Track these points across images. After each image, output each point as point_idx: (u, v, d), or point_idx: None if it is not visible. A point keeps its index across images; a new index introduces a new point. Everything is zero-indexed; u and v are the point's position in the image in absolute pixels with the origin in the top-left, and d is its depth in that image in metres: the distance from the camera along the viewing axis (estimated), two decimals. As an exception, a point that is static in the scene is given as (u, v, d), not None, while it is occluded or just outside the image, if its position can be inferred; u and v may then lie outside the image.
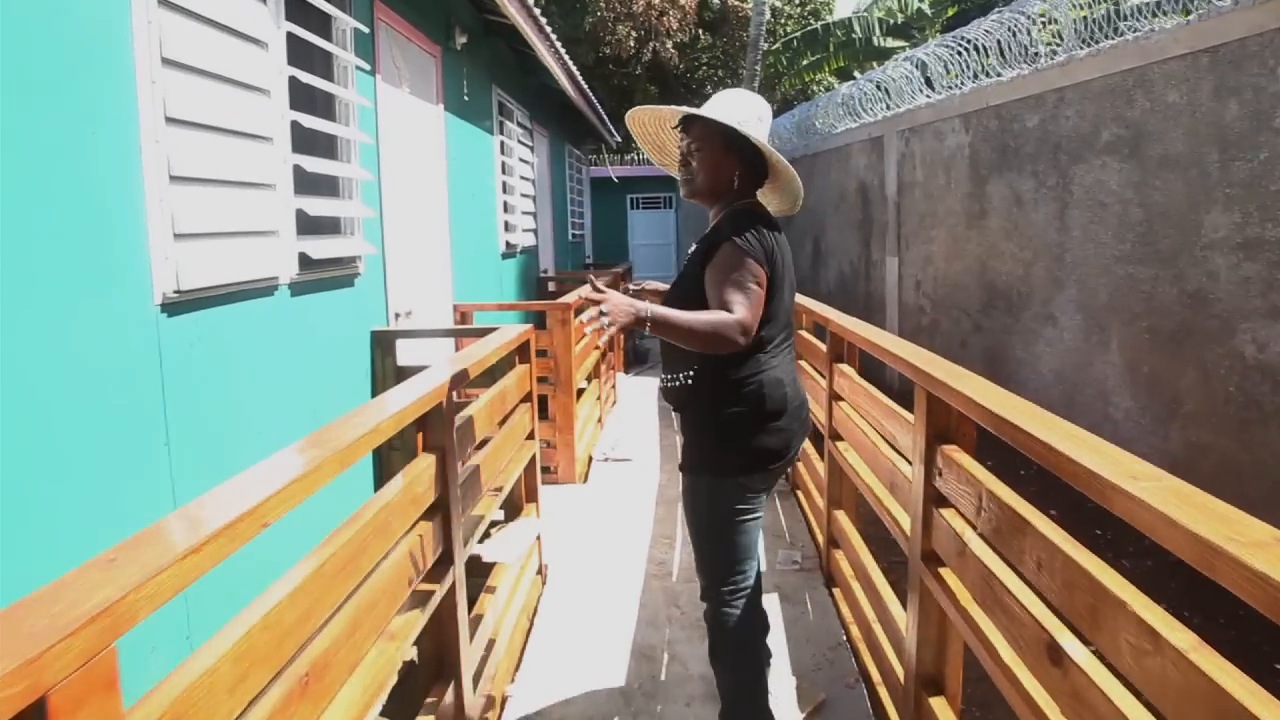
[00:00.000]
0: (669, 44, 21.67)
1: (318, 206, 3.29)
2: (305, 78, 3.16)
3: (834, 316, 3.68)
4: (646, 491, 5.23)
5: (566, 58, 7.57)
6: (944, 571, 2.26)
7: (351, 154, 3.72)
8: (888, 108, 8.22)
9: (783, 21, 24.24)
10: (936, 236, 7.28)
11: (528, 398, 3.83)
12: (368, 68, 3.89)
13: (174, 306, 2.42)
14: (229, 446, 2.75)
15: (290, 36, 3.10)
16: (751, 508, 2.44)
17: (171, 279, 2.38)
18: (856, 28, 16.92)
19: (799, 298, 4.87)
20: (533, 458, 3.88)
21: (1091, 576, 1.41)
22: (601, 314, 2.12)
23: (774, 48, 19.45)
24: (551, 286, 8.87)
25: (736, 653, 2.53)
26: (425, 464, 2.31)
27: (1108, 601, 1.37)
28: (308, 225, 3.37)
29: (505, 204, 6.88)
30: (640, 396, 8.46)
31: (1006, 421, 1.78)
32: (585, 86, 9.45)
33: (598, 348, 6.91)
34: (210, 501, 1.40)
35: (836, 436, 3.69)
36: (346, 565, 1.73)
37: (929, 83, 7.32)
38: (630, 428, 7.04)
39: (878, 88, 8.42)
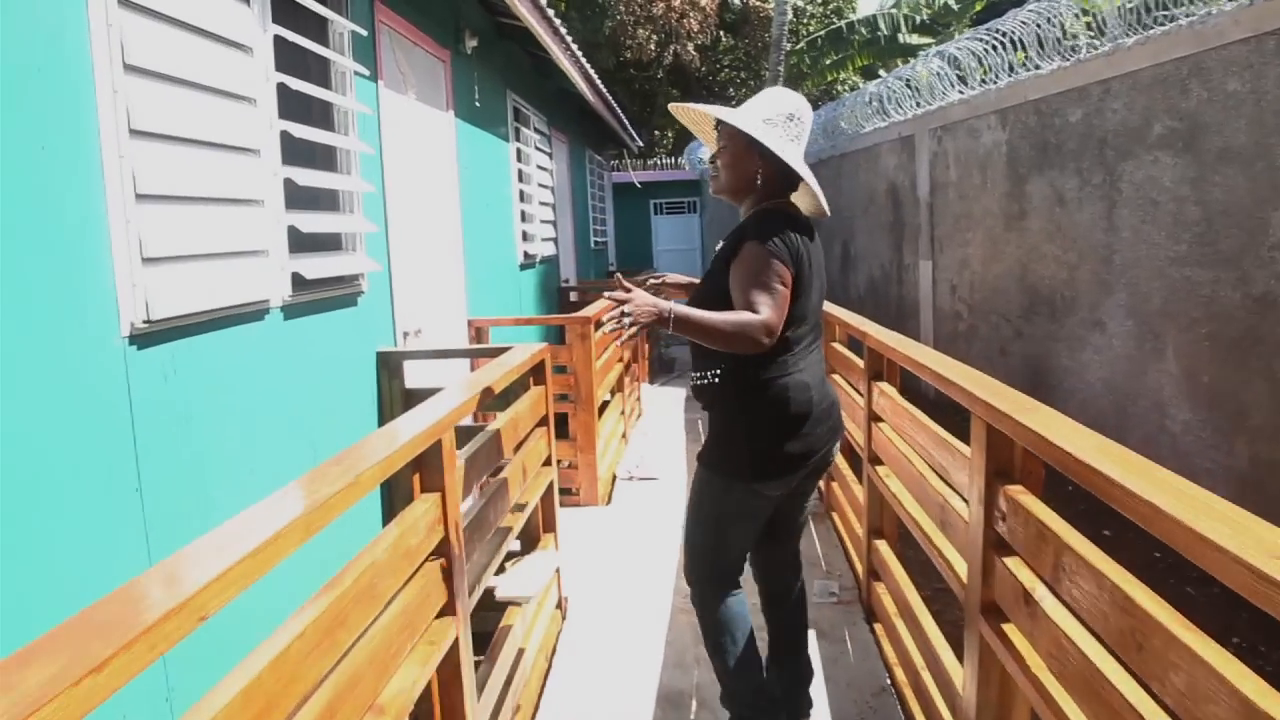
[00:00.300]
0: (690, 46, 21.42)
1: (313, 222, 3.07)
2: (297, 85, 2.93)
3: (872, 331, 3.40)
4: (673, 513, 4.97)
5: (583, 60, 7.34)
6: (1008, 628, 1.99)
7: (351, 165, 3.50)
8: (918, 105, 7.93)
9: (805, 21, 23.93)
10: (973, 239, 6.97)
11: (544, 421, 3.59)
12: (369, 73, 3.67)
13: (144, 338, 2.20)
14: (216, 486, 2.52)
15: (279, 41, 2.88)
16: (759, 512, 2.45)
17: (140, 308, 2.15)
18: (881, 25, 16.59)
19: (833, 309, 4.62)
20: (550, 485, 3.64)
21: (1223, 679, 1.13)
22: (624, 313, 2.13)
23: (797, 48, 19.16)
24: (574, 297, 8.64)
25: (733, 641, 2.51)
26: (422, 509, 2.07)
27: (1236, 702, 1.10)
28: (303, 242, 3.14)
29: (523, 213, 6.66)
30: (667, 408, 8.20)
31: (1087, 466, 1.51)
32: (604, 90, 9.22)
33: (621, 360, 6.67)
34: (151, 581, 1.17)
35: (876, 460, 3.42)
36: (319, 643, 1.49)
37: (961, 79, 7.02)
38: (656, 443, 6.78)
39: (907, 85, 8.12)
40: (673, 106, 2.59)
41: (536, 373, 3.56)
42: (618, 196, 15.65)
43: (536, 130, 7.41)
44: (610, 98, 9.86)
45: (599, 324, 5.42)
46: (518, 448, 3.30)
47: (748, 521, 2.46)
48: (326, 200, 3.49)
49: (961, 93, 6.93)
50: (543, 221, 7.49)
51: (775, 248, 2.21)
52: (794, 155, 2.31)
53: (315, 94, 3.11)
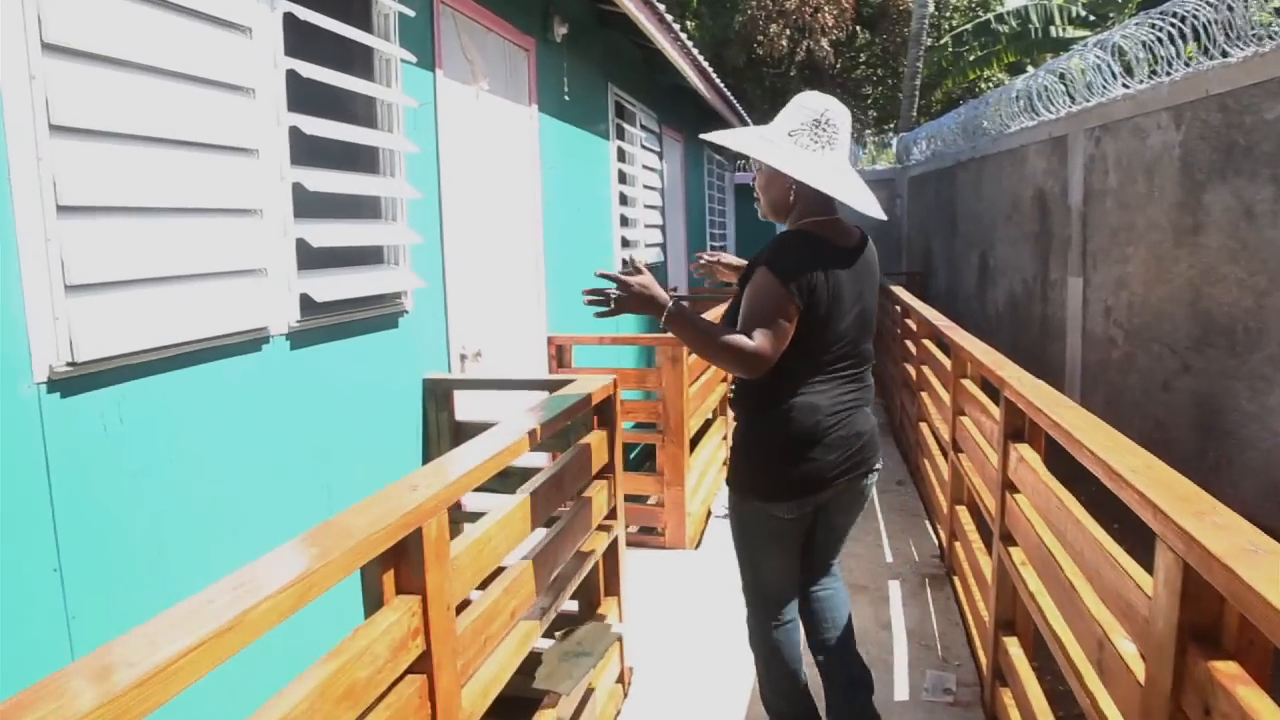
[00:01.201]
0: (824, 42, 20.50)
1: (334, 234, 2.61)
2: (312, 72, 2.48)
3: (1013, 380, 2.71)
4: (767, 565, 4.38)
5: (696, 53, 6.77)
6: None
7: (395, 167, 3.04)
8: (1072, 102, 7.03)
9: (947, 14, 22.65)
10: (1134, 255, 6.07)
11: (606, 470, 3.06)
12: (415, 60, 3.21)
13: (68, 383, 1.77)
14: (180, 556, 2.09)
15: (291, 20, 2.43)
16: (780, 535, 2.36)
17: (62, 347, 1.72)
18: (1033, 17, 15.37)
19: (965, 337, 3.93)
20: (613, 544, 3.10)
21: None
22: (608, 293, 2.13)
23: (939, 43, 18.07)
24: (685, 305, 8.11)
25: (776, 673, 2.50)
26: (384, 625, 1.57)
27: None
28: (325, 258, 2.70)
29: (623, 217, 6.15)
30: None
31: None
32: (721, 86, 8.63)
33: (726, 379, 6.09)
34: None
35: (1009, 539, 2.74)
36: None
37: (1127, 71, 6.12)
38: (758, 472, 6.16)
39: (1060, 79, 7.23)
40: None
41: (602, 411, 3.04)
42: (741, 198, 15.00)
43: (644, 128, 6.89)
44: (729, 94, 9.27)
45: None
46: (576, 495, 2.79)
47: (773, 544, 2.39)
48: (361, 208, 3.05)
49: (1126, 86, 6.04)
50: (648, 226, 6.97)
51: (784, 277, 2.11)
52: (812, 165, 2.18)
53: (343, 84, 2.65)
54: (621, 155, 6.22)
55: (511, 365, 4.13)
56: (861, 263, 2.28)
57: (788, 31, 20.16)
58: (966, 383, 3.75)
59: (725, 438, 6.02)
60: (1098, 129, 6.55)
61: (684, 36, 6.13)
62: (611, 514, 3.10)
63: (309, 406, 2.57)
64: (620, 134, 6.18)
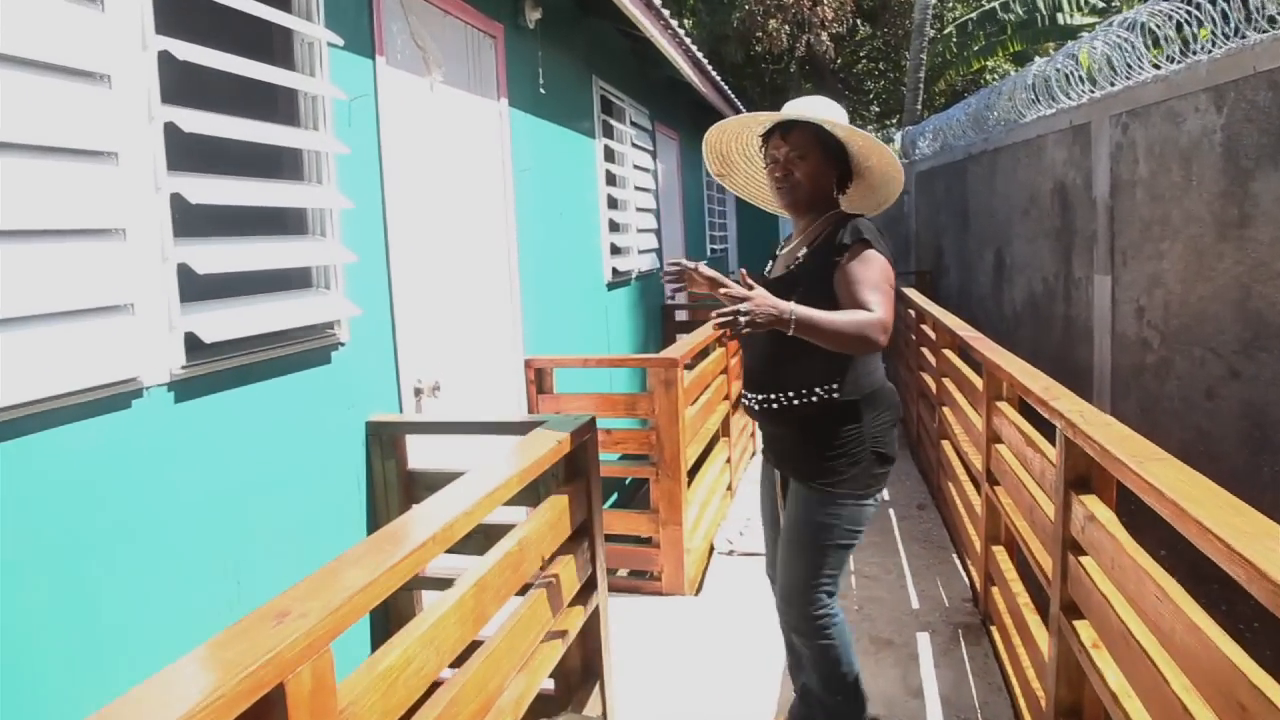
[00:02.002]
0: (824, 36, 19.96)
1: (231, 257, 2.12)
2: (191, 53, 1.99)
3: (1074, 416, 2.21)
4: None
5: (689, 43, 6.28)
6: None
7: (323, 172, 2.55)
8: (1094, 87, 6.51)
9: (950, 5, 22.09)
10: (1169, 250, 5.55)
11: (582, 531, 2.57)
12: (354, 46, 2.72)
13: None
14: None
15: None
16: (863, 528, 2.44)
17: None
18: (1040, 4, 14.86)
19: (999, 353, 3.46)
20: (593, 618, 2.61)
21: None
22: (739, 313, 2.02)
23: (943, 33, 17.56)
24: (682, 315, 7.58)
25: (851, 668, 2.48)
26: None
27: None
28: (233, 285, 2.21)
29: (612, 222, 5.65)
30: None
31: None
32: (717, 79, 8.14)
33: (728, 397, 5.60)
34: None
35: (1074, 611, 2.24)
36: None
37: (1156, 54, 5.61)
38: (765, 497, 5.66)
39: (1076, 61, 6.71)
40: (719, 126, 2.57)
41: (575, 460, 2.55)
42: (743, 200, 14.52)
43: (634, 125, 6.39)
44: (726, 88, 8.78)
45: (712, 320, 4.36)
46: (531, 581, 2.29)
47: (853, 541, 2.42)
48: (287, 223, 2.56)
49: (1158, 67, 5.52)
50: (641, 230, 6.47)
51: (883, 251, 2.26)
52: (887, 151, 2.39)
53: (238, 69, 2.15)
54: (610, 155, 5.74)
55: (480, 396, 3.63)
56: None
57: (787, 27, 19.62)
58: (1003, 406, 3.25)
59: (728, 460, 5.53)
60: (1125, 115, 6.03)
61: (675, 25, 5.64)
62: (590, 584, 2.61)
63: (205, 473, 2.08)
64: (608, 131, 5.68)
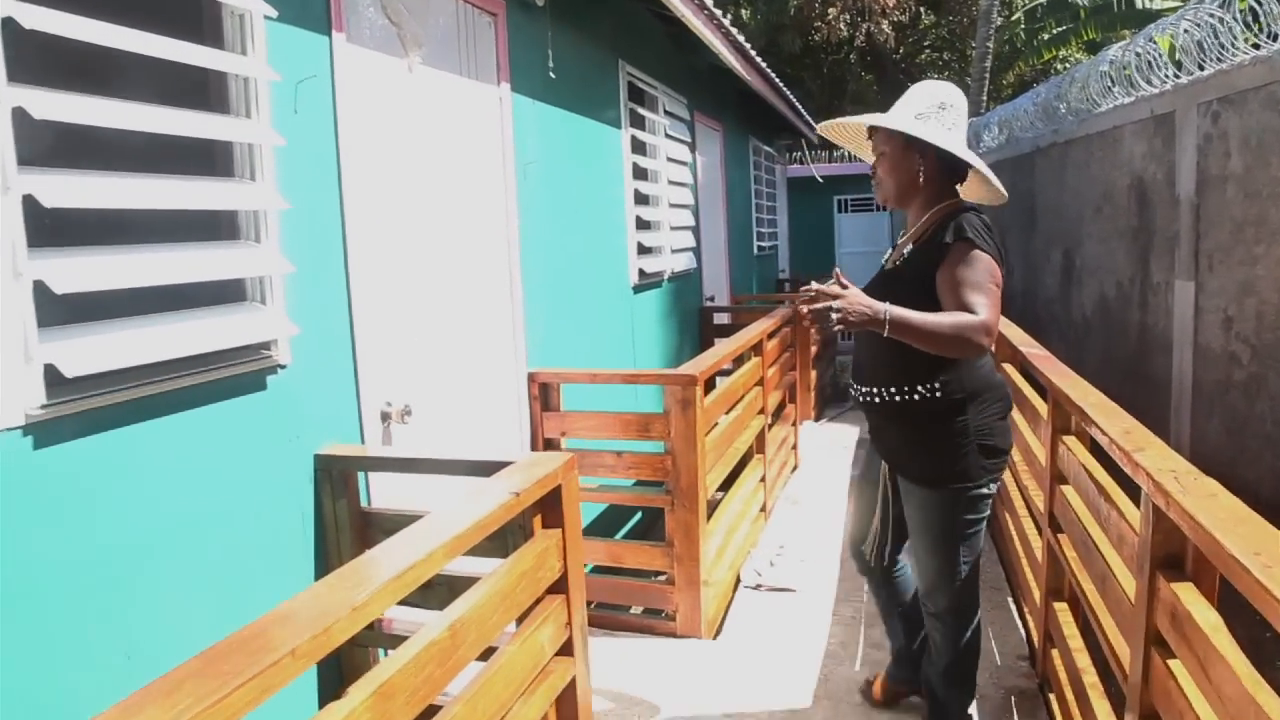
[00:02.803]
0: (885, 25, 19.27)
1: (106, 272, 1.74)
2: (48, 22, 1.61)
3: (1167, 481, 1.72)
4: (812, 654, 3.43)
5: (730, 28, 5.81)
6: None
7: (256, 167, 2.17)
8: (1179, 72, 5.90)
9: (1020, -9, 21.19)
10: (1265, 255, 4.95)
11: (559, 586, 2.16)
12: (304, 20, 2.34)
13: None
14: None
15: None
16: (984, 515, 2.45)
17: None
18: (1116, -13, 14.01)
19: (1066, 376, 2.98)
20: (569, 690, 2.20)
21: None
22: (831, 309, 2.04)
23: (1011, 19, 16.76)
24: (723, 318, 7.11)
25: (973, 654, 2.60)
26: None
27: None
28: (142, 300, 1.84)
29: (640, 219, 5.22)
30: (832, 458, 6.57)
31: None
32: (764, 66, 7.65)
33: (762, 410, 5.15)
34: None
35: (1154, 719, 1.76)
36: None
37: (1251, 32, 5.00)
38: (808, 518, 5.19)
39: (1159, 47, 6.10)
40: (821, 126, 2.58)
41: (548, 507, 2.14)
42: (795, 192, 13.94)
43: (669, 114, 5.95)
44: (774, 77, 8.28)
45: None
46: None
47: (980, 529, 2.43)
48: (216, 226, 2.19)
49: (1257, 47, 4.92)
50: (675, 228, 6.03)
51: (988, 248, 2.21)
52: (955, 143, 2.29)
53: (104, 39, 1.75)
54: (639, 147, 5.31)
55: (471, 416, 3.24)
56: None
57: (846, 15, 18.96)
58: (1071, 443, 2.75)
59: (762, 479, 5.08)
60: (1216, 102, 5.42)
61: (711, 6, 5.18)
62: (566, 648, 2.20)
63: (81, 530, 1.71)
64: (637, 121, 5.25)
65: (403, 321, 2.81)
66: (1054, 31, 15.29)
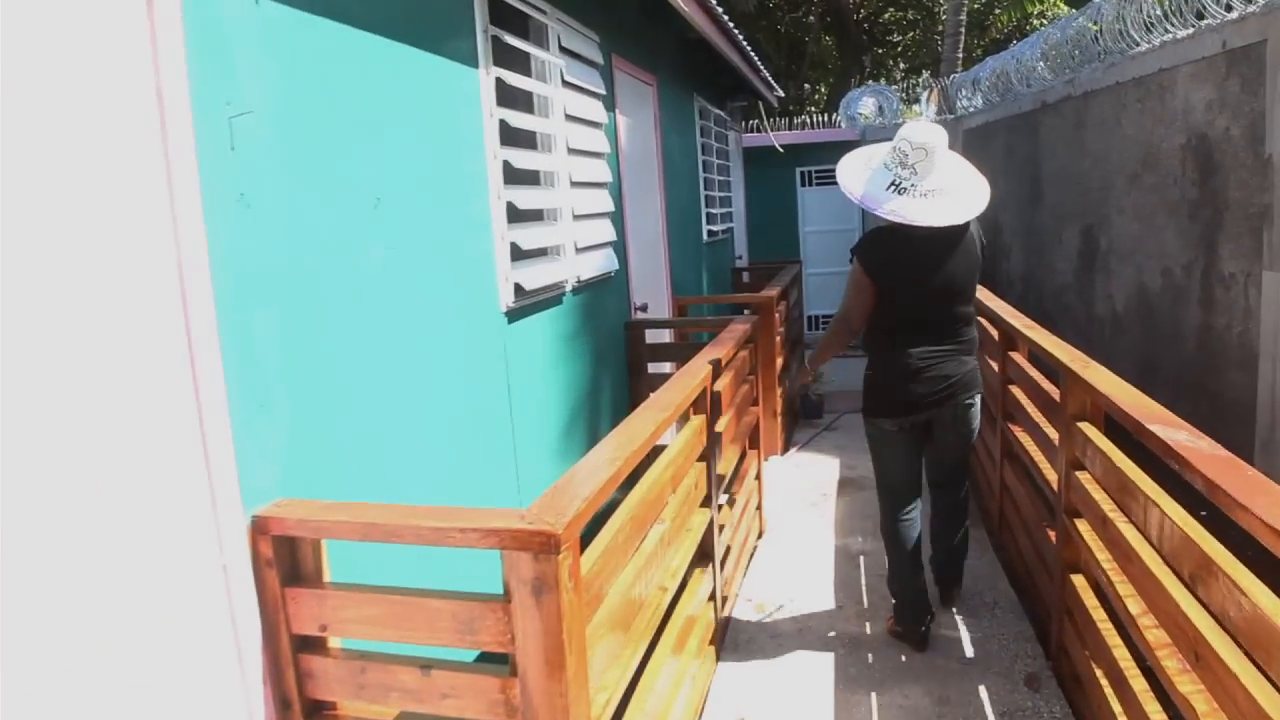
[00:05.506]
0: (848, -21, 17.53)
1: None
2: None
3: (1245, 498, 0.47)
4: None
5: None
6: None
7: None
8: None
9: (995, -61, 19.49)
10: None
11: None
12: None
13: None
14: None
15: None
16: (890, 442, 3.46)
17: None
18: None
19: (1084, 363, 1.26)
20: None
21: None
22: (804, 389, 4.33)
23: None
24: (662, 335, 5.34)
25: (895, 553, 3.56)
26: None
27: None
28: None
29: (513, 206, 3.45)
30: (811, 513, 4.94)
31: None
32: (714, 4, 5.92)
33: (698, 487, 3.45)
34: None
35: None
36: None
37: None
38: (781, 649, 3.53)
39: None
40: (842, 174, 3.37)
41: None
42: (755, 166, 12.20)
43: (568, 53, 4.19)
44: (726, 19, 6.55)
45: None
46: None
47: (887, 449, 3.49)
48: None
49: None
50: (582, 216, 4.27)
51: (862, 263, 3.27)
52: (878, 186, 3.17)
53: None
54: (512, 98, 3.56)
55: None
56: (940, 245, 3.20)
57: (805, -32, 17.19)
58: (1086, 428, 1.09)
59: (711, 598, 3.38)
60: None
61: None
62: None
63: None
64: (508, 58, 3.49)
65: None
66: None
